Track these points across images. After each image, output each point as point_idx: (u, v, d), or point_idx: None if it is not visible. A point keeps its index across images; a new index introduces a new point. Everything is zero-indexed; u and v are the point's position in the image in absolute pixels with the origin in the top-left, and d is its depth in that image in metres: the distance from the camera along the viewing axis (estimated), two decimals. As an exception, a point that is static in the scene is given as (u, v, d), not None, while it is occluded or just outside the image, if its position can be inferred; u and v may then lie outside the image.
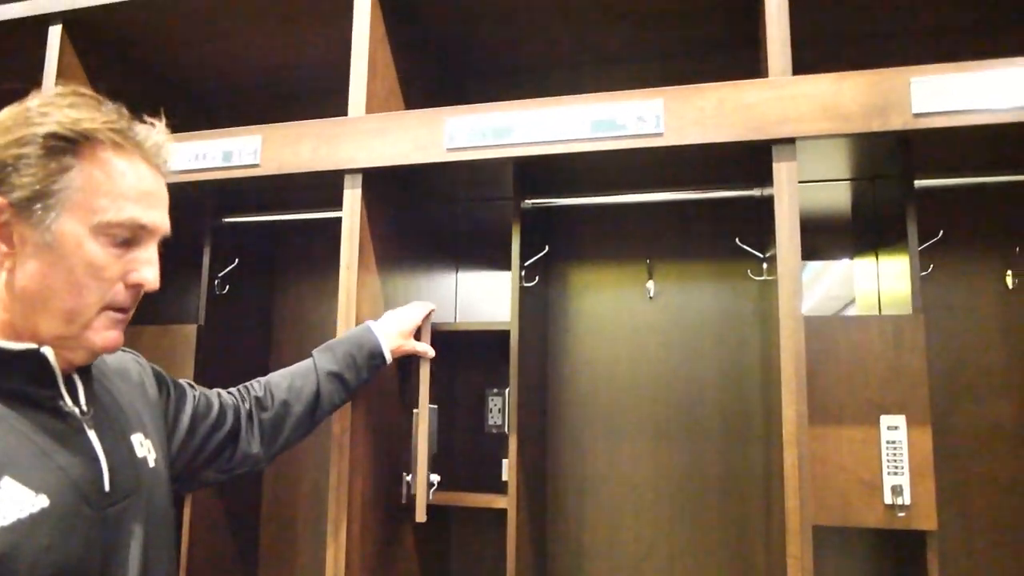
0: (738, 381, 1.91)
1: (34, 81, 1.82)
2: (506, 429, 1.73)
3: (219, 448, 1.17)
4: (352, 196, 1.58)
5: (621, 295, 2.05)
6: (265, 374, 1.34)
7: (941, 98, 1.30)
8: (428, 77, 1.97)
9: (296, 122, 1.65)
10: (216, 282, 2.04)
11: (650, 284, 2.00)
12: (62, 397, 0.84)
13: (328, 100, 1.74)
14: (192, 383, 1.18)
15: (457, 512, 2.05)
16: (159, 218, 0.86)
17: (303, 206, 1.99)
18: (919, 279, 1.51)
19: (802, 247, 1.33)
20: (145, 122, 0.88)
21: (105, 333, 0.84)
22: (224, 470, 1.19)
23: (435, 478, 1.62)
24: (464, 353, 2.07)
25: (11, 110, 0.81)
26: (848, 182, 1.78)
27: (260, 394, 1.28)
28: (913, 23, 1.85)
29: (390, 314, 1.52)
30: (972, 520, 1.74)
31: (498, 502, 1.65)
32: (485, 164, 1.54)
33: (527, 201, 1.74)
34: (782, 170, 1.36)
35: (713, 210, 1.96)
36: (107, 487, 0.84)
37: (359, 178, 1.58)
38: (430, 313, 1.58)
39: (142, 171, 0.85)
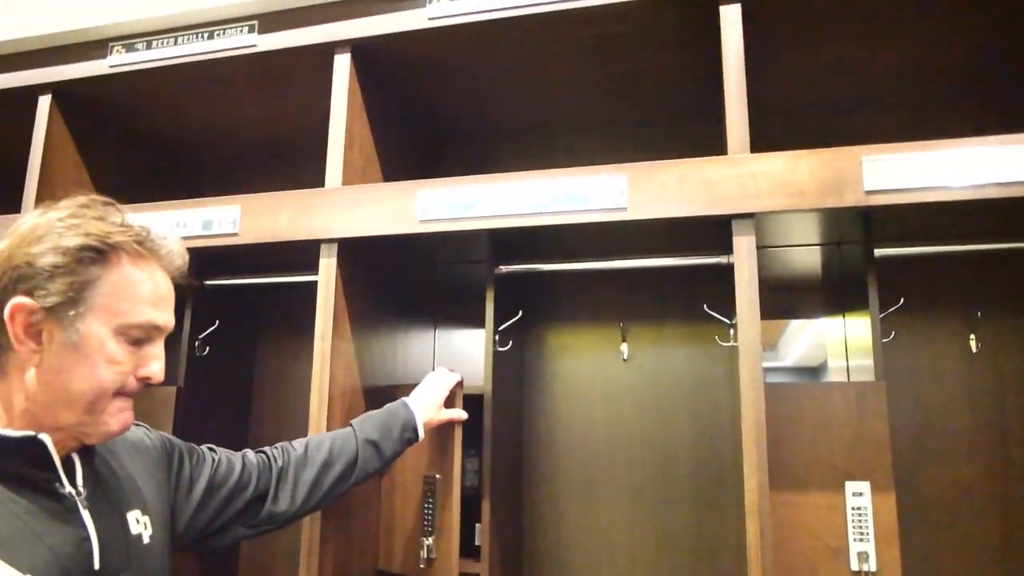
0: (711, 444, 1.93)
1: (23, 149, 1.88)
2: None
3: (246, 507, 1.23)
4: (328, 265, 1.62)
5: (596, 358, 2.07)
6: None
7: (892, 176, 1.34)
8: (405, 144, 2.02)
9: (274, 192, 1.70)
10: (196, 343, 2.07)
11: (624, 347, 2.03)
12: (59, 479, 0.89)
13: (313, 162, 1.79)
14: (214, 447, 1.24)
15: None
16: (169, 319, 0.95)
17: (283, 269, 2.02)
18: (881, 346, 1.54)
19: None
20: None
21: (119, 416, 0.92)
22: (251, 525, 1.25)
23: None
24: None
25: (40, 219, 0.89)
26: (817, 247, 1.82)
27: (300, 452, 1.33)
28: (871, 96, 1.92)
29: (420, 390, 1.54)
30: (942, 584, 1.74)
31: (472, 567, 1.65)
32: (457, 234, 1.58)
33: (501, 267, 1.78)
34: (742, 244, 1.39)
35: (684, 275, 1.97)
36: (96, 565, 0.88)
37: (335, 247, 1.62)
38: (460, 382, 1.60)
39: (158, 278, 0.93)
